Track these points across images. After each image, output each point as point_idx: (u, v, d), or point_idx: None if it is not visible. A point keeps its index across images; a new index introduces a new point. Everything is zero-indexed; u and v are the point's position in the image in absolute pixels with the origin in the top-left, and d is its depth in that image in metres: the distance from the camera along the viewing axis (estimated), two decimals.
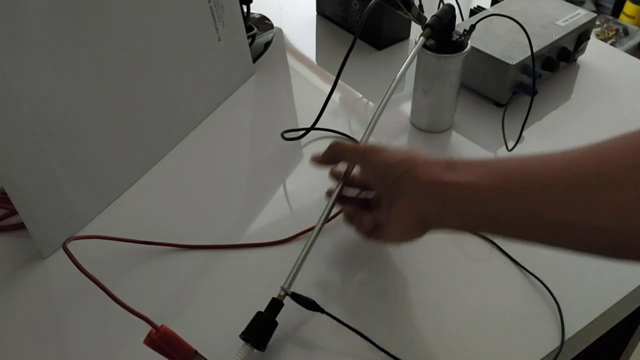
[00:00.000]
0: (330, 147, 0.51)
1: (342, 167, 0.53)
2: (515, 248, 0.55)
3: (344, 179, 0.52)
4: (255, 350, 0.45)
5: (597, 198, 0.35)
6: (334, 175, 0.54)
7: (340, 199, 0.53)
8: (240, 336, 0.45)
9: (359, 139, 0.58)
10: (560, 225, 0.37)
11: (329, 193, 0.54)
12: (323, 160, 0.52)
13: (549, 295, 0.51)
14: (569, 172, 0.37)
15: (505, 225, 0.40)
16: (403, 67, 0.58)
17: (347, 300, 0.51)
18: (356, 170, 0.52)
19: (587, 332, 0.50)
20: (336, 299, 0.51)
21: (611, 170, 0.35)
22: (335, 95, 0.74)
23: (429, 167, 0.43)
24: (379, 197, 0.51)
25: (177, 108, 0.67)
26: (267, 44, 0.84)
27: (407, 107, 0.71)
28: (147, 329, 0.40)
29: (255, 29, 0.83)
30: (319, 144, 0.68)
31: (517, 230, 0.40)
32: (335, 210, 0.54)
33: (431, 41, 0.63)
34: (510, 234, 0.40)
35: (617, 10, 2.20)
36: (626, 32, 2.03)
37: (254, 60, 0.79)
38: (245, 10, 0.79)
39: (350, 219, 0.52)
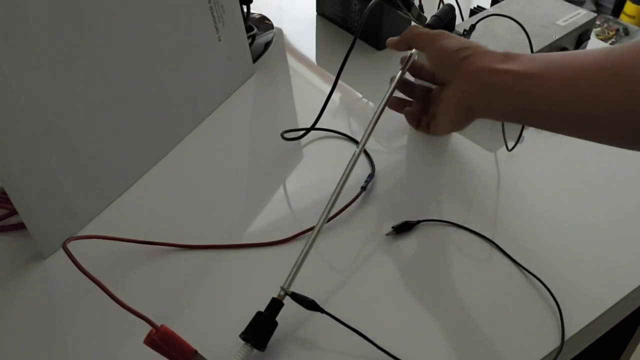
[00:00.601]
0: (405, 33, 0.55)
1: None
2: (515, 248, 0.55)
3: (406, 64, 0.57)
4: (255, 350, 0.45)
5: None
6: (402, 60, 0.58)
7: (403, 86, 0.58)
8: (240, 336, 0.45)
9: (359, 139, 0.58)
10: (582, 116, 0.41)
11: (393, 79, 0.57)
12: (396, 44, 0.56)
13: (549, 295, 0.51)
14: (597, 65, 0.41)
15: (544, 113, 0.44)
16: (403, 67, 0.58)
17: (347, 300, 0.51)
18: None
19: (587, 332, 0.50)
20: (336, 299, 0.51)
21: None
22: (335, 95, 0.74)
23: (487, 55, 0.46)
24: (440, 88, 0.54)
25: (177, 108, 0.67)
26: (267, 44, 0.84)
27: None
28: (147, 328, 0.40)
29: (255, 29, 0.83)
30: (319, 144, 0.68)
31: (554, 119, 0.44)
32: (335, 210, 0.54)
33: None
34: (547, 123, 0.44)
35: (618, 10, 2.20)
36: (626, 32, 2.03)
37: (254, 61, 0.79)
38: (245, 10, 0.79)
39: (411, 117, 0.57)
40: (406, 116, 0.58)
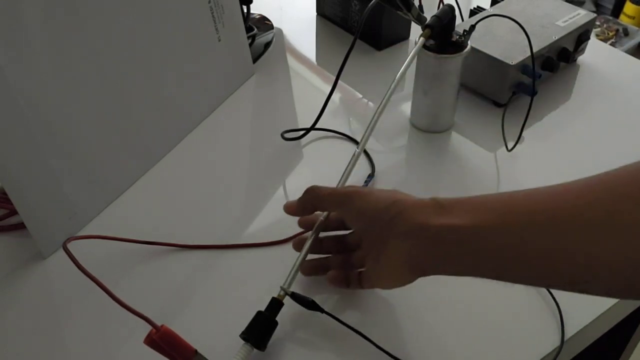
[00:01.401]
0: (306, 192, 0.48)
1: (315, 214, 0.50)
2: None
3: (318, 228, 0.50)
4: (255, 350, 0.45)
5: (601, 234, 0.33)
6: (304, 224, 0.51)
7: (315, 246, 0.50)
8: (240, 336, 0.45)
9: (359, 139, 0.58)
10: (561, 262, 0.35)
11: (299, 242, 0.50)
12: (299, 209, 0.49)
13: (549, 295, 0.51)
14: (569, 205, 0.35)
15: (503, 264, 0.38)
16: (403, 67, 0.58)
17: (347, 300, 0.51)
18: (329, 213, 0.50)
19: (587, 332, 0.50)
20: (336, 299, 0.51)
21: (615, 205, 0.33)
22: (335, 96, 0.74)
23: (418, 210, 0.41)
24: (359, 240, 0.48)
25: (177, 108, 0.67)
26: (267, 45, 0.84)
27: (407, 107, 0.71)
28: (147, 328, 0.40)
29: (255, 29, 0.83)
30: (319, 144, 0.68)
31: (519, 271, 0.38)
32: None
33: (431, 41, 0.63)
34: (508, 273, 0.39)
35: (617, 11, 2.20)
36: (626, 33, 2.03)
37: (254, 61, 0.79)
38: (245, 10, 0.79)
39: (337, 282, 0.49)
40: (332, 282, 0.49)
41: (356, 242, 0.50)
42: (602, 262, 0.33)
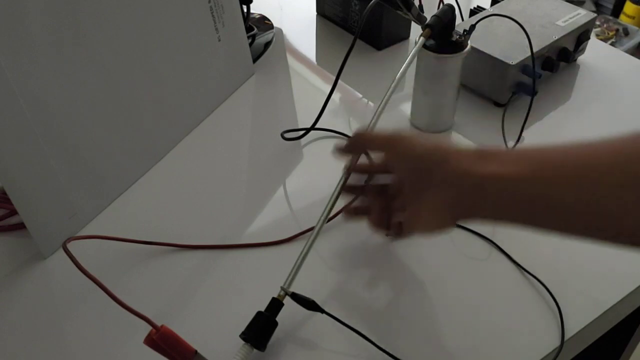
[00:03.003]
0: (355, 136, 0.50)
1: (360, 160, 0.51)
2: (515, 248, 0.55)
3: (350, 169, 0.51)
4: (255, 350, 0.45)
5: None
6: (354, 170, 0.51)
7: (352, 190, 0.51)
8: (240, 336, 0.45)
9: None
10: (590, 216, 0.37)
11: (353, 169, 0.51)
12: (347, 149, 0.51)
13: (549, 295, 0.51)
14: (597, 162, 0.38)
15: (538, 214, 0.40)
16: (403, 67, 0.58)
17: (347, 300, 0.51)
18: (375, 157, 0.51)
19: (586, 332, 0.50)
20: (336, 299, 0.51)
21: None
22: (335, 95, 0.74)
23: (462, 157, 0.43)
24: (401, 185, 0.48)
25: (177, 108, 0.67)
26: (267, 44, 0.84)
27: (407, 107, 0.71)
28: (147, 328, 0.40)
29: (255, 29, 0.83)
30: (319, 144, 0.68)
31: (550, 221, 0.40)
32: (335, 210, 0.54)
33: (431, 41, 0.63)
34: (542, 224, 0.40)
35: (617, 10, 2.20)
36: (626, 32, 2.03)
37: (254, 60, 0.79)
38: (245, 10, 0.79)
39: (378, 226, 0.50)
40: (373, 225, 0.50)
41: (398, 189, 0.49)
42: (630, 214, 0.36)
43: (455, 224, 0.45)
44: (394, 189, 0.50)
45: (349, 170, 0.51)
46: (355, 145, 0.50)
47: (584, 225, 0.38)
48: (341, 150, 0.51)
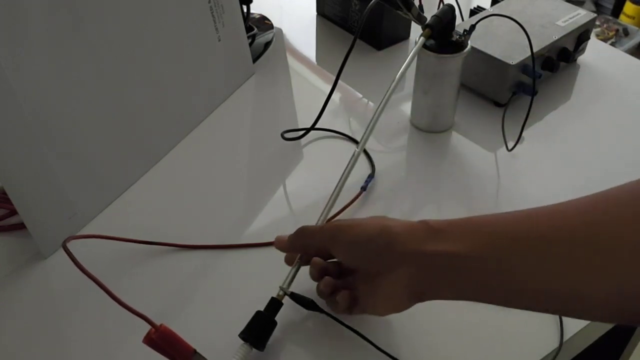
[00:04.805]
0: (296, 233, 0.48)
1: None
2: None
3: (301, 261, 0.48)
4: (254, 350, 0.45)
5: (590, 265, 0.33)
6: (291, 262, 0.49)
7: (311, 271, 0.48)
8: (239, 335, 0.45)
9: (359, 139, 0.58)
10: (568, 294, 0.34)
11: (289, 258, 0.49)
12: (290, 247, 0.48)
13: None
14: (556, 234, 0.35)
15: (499, 295, 0.38)
16: (403, 67, 0.58)
17: None
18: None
19: (586, 333, 0.50)
20: None
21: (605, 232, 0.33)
22: (335, 95, 0.74)
23: (409, 236, 0.40)
24: (352, 269, 0.47)
25: (177, 108, 0.67)
26: (267, 44, 0.84)
27: (407, 107, 0.71)
28: (147, 328, 0.40)
29: (255, 29, 0.83)
30: (319, 144, 0.68)
31: (523, 300, 0.37)
32: (335, 211, 0.54)
33: (431, 41, 0.63)
34: (517, 303, 0.38)
35: (617, 11, 2.20)
36: (626, 32, 2.03)
37: (254, 60, 0.79)
38: (245, 10, 0.79)
39: (325, 295, 0.46)
40: (321, 295, 0.47)
41: (349, 269, 0.48)
42: (592, 296, 0.33)
43: (411, 305, 0.42)
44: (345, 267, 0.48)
45: (299, 262, 0.48)
46: (297, 242, 0.48)
47: (553, 296, 0.35)
48: (282, 247, 0.49)
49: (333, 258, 0.47)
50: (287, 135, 0.68)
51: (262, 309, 0.46)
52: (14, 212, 0.59)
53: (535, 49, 0.66)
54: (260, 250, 0.56)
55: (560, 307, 0.36)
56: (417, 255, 0.40)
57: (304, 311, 0.48)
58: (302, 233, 0.47)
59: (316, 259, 0.47)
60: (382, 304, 0.43)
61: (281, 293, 0.47)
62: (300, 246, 0.48)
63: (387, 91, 0.57)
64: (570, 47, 0.74)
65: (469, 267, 0.38)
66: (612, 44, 1.99)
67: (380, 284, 0.42)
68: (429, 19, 0.61)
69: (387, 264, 0.41)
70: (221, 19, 0.69)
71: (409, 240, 0.40)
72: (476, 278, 0.38)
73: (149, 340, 0.40)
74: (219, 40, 0.70)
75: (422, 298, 0.42)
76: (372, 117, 0.55)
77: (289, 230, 0.56)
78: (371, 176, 0.62)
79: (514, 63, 0.66)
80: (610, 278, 0.32)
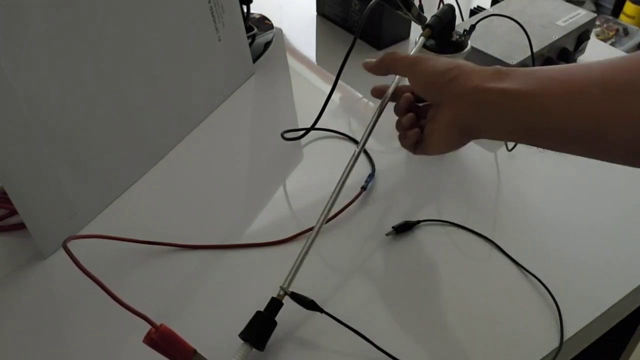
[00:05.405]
0: (383, 57, 0.52)
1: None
2: (515, 248, 0.55)
3: (391, 92, 0.54)
4: (254, 350, 0.45)
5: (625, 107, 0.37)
6: (377, 93, 0.55)
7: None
8: (239, 335, 0.45)
9: (359, 139, 0.58)
10: (593, 135, 0.38)
11: (379, 91, 0.55)
12: (374, 68, 0.53)
13: (549, 295, 0.51)
14: (601, 80, 0.38)
15: (544, 132, 0.41)
16: None
17: (347, 300, 0.51)
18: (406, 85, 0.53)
19: (586, 333, 0.50)
20: (335, 299, 0.51)
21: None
22: (335, 95, 0.74)
23: (476, 74, 0.44)
24: (427, 108, 0.51)
25: (177, 108, 0.67)
26: (267, 44, 0.84)
27: None
28: (147, 328, 0.40)
29: (255, 29, 0.83)
30: (319, 144, 0.68)
31: (554, 138, 0.41)
32: (335, 211, 0.54)
33: (431, 41, 0.63)
34: (548, 142, 0.42)
35: (617, 10, 2.19)
36: (626, 32, 2.03)
37: (254, 60, 0.79)
38: (245, 10, 0.79)
39: (403, 128, 0.52)
40: (404, 140, 0.53)
41: (426, 111, 0.52)
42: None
43: (465, 142, 0.47)
44: (423, 113, 0.53)
45: (375, 92, 0.55)
46: (381, 65, 0.53)
47: (579, 135, 0.39)
48: (368, 66, 0.54)
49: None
50: (287, 135, 0.68)
51: (262, 309, 0.46)
52: (14, 212, 0.59)
53: (535, 49, 0.66)
54: (260, 250, 0.56)
55: (587, 148, 0.41)
56: (476, 90, 0.43)
57: (304, 311, 0.48)
58: (389, 56, 0.52)
59: (409, 95, 0.53)
60: (436, 137, 0.48)
61: (281, 293, 0.47)
62: (385, 69, 0.53)
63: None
64: (570, 47, 0.74)
65: (522, 102, 0.41)
66: (612, 44, 1.98)
67: (438, 116, 0.47)
68: (429, 19, 0.61)
69: (450, 96, 0.45)
70: (221, 19, 0.69)
71: (475, 77, 0.44)
72: (523, 115, 0.41)
73: (149, 340, 0.40)
74: (219, 40, 0.70)
75: (470, 133, 0.46)
76: (372, 117, 0.55)
77: (289, 230, 0.56)
78: (371, 176, 0.62)
79: (514, 63, 0.66)
80: (633, 125, 0.37)
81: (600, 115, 0.38)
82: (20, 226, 0.57)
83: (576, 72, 0.40)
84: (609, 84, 0.38)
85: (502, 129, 0.44)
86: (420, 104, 0.53)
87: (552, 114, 0.40)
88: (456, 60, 0.47)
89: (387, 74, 0.53)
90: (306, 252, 0.49)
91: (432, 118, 0.49)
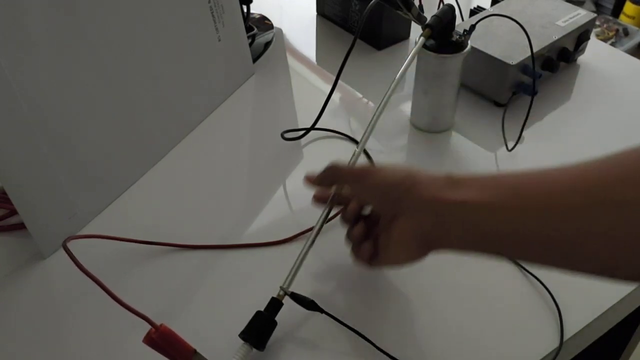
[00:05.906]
0: (327, 168, 0.49)
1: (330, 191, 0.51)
2: None
3: (333, 201, 0.51)
4: (254, 350, 0.45)
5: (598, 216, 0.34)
6: (319, 199, 0.51)
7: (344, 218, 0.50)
8: (239, 335, 0.45)
9: (359, 139, 0.58)
10: (568, 245, 0.35)
11: (319, 199, 0.52)
12: (318, 181, 0.50)
13: (549, 295, 0.51)
14: (574, 187, 0.36)
15: (510, 244, 0.38)
16: (403, 67, 0.58)
17: (347, 300, 0.51)
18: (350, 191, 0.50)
19: (586, 333, 0.50)
20: (335, 299, 0.51)
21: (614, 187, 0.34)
22: (335, 95, 0.74)
23: (430, 184, 0.41)
24: (378, 219, 0.48)
25: (177, 108, 0.67)
26: (267, 44, 0.84)
27: (407, 107, 0.71)
28: (147, 328, 0.40)
29: (255, 29, 0.83)
30: (319, 144, 0.68)
31: (522, 250, 0.38)
32: (335, 211, 0.54)
33: (431, 41, 0.63)
34: (514, 254, 0.39)
35: (617, 11, 2.20)
36: (626, 33, 2.03)
37: (254, 60, 0.79)
38: (245, 10, 0.79)
39: (355, 241, 0.49)
40: (351, 239, 0.50)
41: (376, 219, 0.49)
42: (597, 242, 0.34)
43: (424, 255, 0.44)
44: (372, 219, 0.49)
45: (316, 199, 0.51)
46: (326, 177, 0.49)
47: (560, 256, 0.36)
48: (311, 181, 0.50)
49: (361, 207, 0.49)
50: (287, 135, 0.68)
51: (262, 309, 0.46)
52: (14, 212, 0.59)
53: (535, 49, 0.66)
54: (260, 250, 0.56)
55: (561, 262, 0.37)
56: (433, 202, 0.41)
57: (304, 311, 0.48)
58: (332, 170, 0.49)
59: (354, 204, 0.49)
60: (394, 251, 0.45)
61: (281, 293, 0.47)
62: (329, 181, 0.50)
63: (387, 91, 0.57)
64: (570, 47, 0.74)
65: (479, 215, 0.38)
66: (612, 44, 1.99)
67: (394, 228, 0.44)
68: (429, 19, 0.61)
69: (404, 209, 0.43)
70: (221, 19, 0.69)
71: (429, 187, 0.41)
72: (486, 227, 0.38)
73: (149, 340, 0.40)
74: (219, 40, 0.70)
75: (431, 246, 0.43)
76: (372, 117, 0.55)
77: (288, 230, 0.56)
78: None
79: (514, 63, 0.66)
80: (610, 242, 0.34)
81: (584, 229, 0.34)
82: (20, 226, 0.57)
83: (545, 178, 0.38)
84: (587, 191, 0.35)
85: (463, 241, 0.41)
86: (367, 212, 0.50)
87: (520, 226, 0.37)
88: (406, 168, 0.44)
89: (331, 186, 0.50)
90: (306, 252, 0.49)
91: (386, 229, 0.45)
